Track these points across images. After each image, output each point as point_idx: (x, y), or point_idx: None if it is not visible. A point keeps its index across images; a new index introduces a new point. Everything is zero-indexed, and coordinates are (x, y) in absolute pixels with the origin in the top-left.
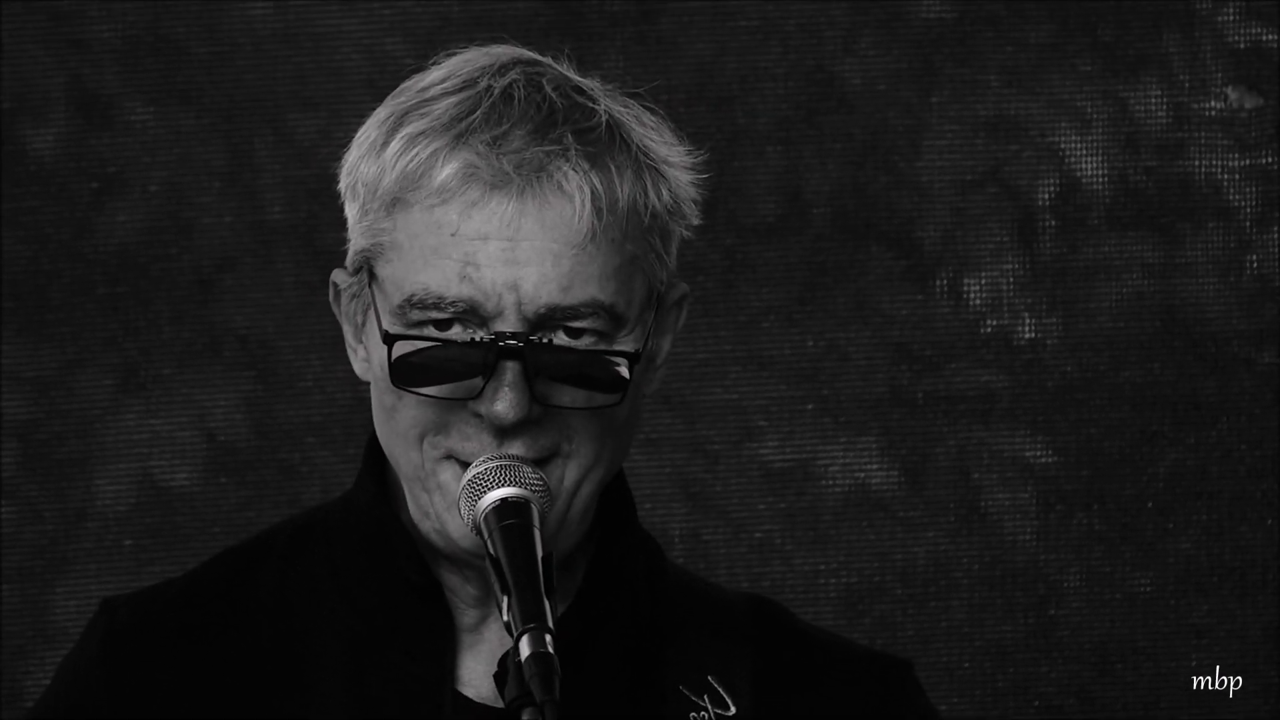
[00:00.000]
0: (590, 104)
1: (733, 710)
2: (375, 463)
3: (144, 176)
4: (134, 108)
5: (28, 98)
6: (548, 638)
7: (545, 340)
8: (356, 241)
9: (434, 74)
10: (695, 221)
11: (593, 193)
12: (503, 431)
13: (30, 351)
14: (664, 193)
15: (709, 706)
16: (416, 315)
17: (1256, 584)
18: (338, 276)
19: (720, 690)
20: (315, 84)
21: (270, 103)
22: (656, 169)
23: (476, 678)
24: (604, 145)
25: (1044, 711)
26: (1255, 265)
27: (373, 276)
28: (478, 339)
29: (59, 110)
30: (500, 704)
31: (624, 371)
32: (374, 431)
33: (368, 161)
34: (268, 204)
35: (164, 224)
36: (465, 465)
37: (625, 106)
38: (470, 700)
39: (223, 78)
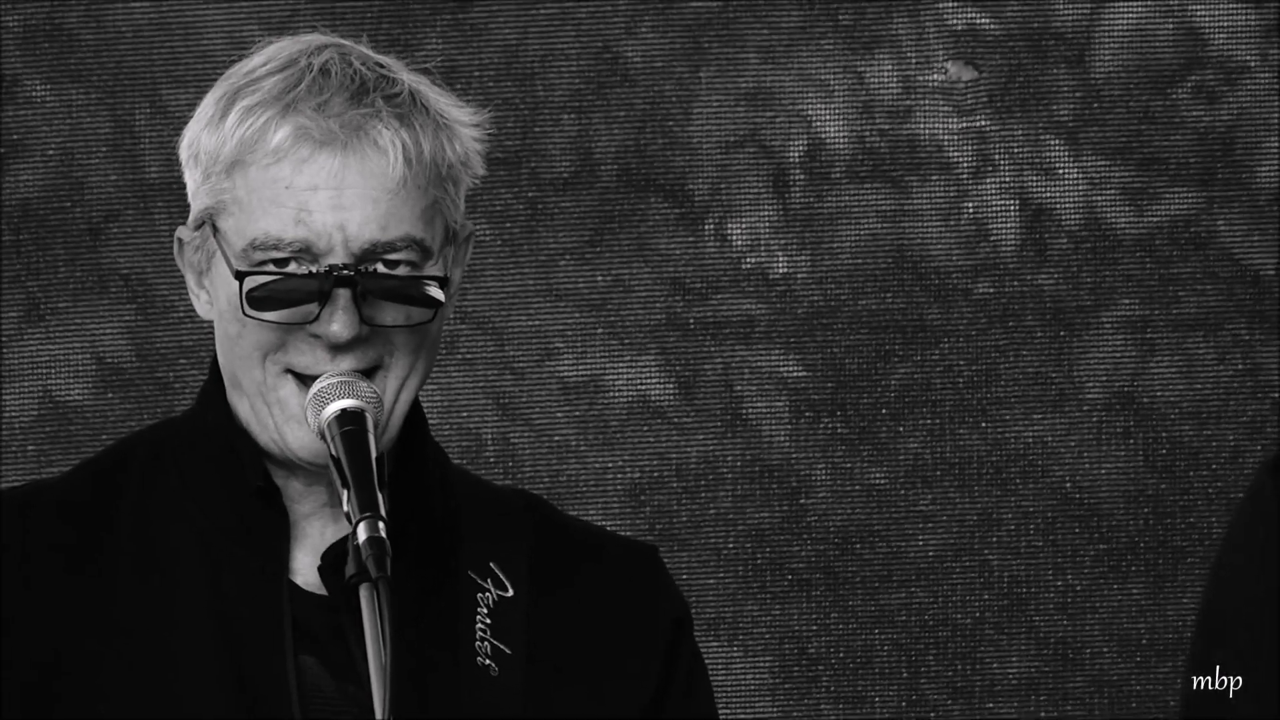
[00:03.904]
0: (393, 75)
1: (510, 592)
2: (220, 386)
3: (43, 143)
4: (34, 86)
5: None
6: (381, 525)
7: (370, 270)
8: (200, 201)
9: (255, 59)
10: (481, 172)
11: (404, 146)
12: (336, 348)
13: None
14: (457, 147)
15: (491, 589)
16: (258, 255)
17: (973, 477)
18: (182, 233)
19: (501, 575)
20: (186, 64)
21: (148, 80)
22: (450, 128)
23: (304, 568)
24: (408, 108)
25: (795, 585)
26: (971, 211)
27: (215, 229)
28: (314, 271)
29: None
30: (324, 591)
31: (435, 293)
32: (214, 360)
33: (208, 133)
34: (146, 165)
35: (59, 183)
36: (302, 379)
37: (419, 78)
38: (300, 589)
39: (108, 60)
